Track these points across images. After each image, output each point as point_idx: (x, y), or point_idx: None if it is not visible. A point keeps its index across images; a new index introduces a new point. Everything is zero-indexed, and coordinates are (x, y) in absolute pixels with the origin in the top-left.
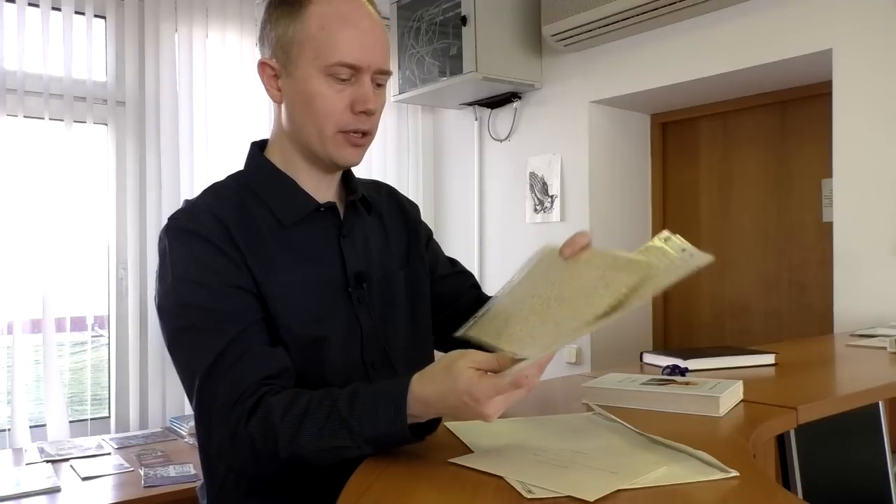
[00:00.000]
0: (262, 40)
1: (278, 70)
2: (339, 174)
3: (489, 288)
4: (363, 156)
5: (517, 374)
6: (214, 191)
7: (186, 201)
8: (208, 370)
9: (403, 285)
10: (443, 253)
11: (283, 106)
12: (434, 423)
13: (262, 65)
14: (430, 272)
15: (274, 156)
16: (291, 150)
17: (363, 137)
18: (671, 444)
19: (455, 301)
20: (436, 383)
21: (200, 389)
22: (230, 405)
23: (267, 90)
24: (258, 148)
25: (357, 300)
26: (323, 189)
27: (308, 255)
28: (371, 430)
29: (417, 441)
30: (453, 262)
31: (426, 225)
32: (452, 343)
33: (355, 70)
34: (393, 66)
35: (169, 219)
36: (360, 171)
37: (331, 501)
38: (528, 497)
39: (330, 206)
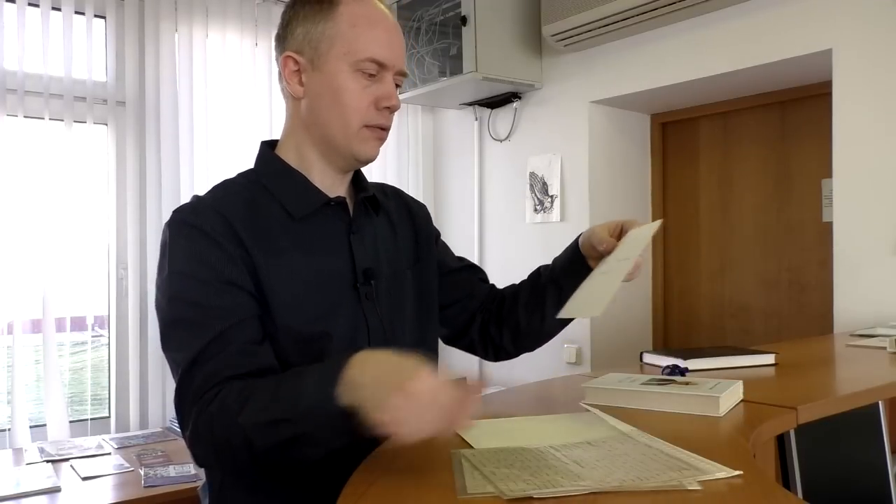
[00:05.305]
0: (282, 38)
1: (303, 65)
2: (350, 174)
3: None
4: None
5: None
6: (224, 187)
7: (195, 196)
8: (190, 364)
9: (412, 284)
10: (451, 251)
11: (304, 101)
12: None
13: (286, 59)
14: (440, 267)
15: (287, 153)
16: (308, 145)
17: (383, 132)
18: (671, 451)
19: (467, 295)
20: (381, 357)
21: (181, 382)
22: (199, 396)
23: (287, 84)
24: (268, 147)
25: (365, 296)
26: (335, 187)
27: (318, 248)
28: (305, 401)
29: (352, 423)
30: (461, 259)
31: (434, 226)
32: (460, 336)
33: (382, 67)
34: None
35: (173, 211)
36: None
37: (332, 498)
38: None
39: (340, 202)
